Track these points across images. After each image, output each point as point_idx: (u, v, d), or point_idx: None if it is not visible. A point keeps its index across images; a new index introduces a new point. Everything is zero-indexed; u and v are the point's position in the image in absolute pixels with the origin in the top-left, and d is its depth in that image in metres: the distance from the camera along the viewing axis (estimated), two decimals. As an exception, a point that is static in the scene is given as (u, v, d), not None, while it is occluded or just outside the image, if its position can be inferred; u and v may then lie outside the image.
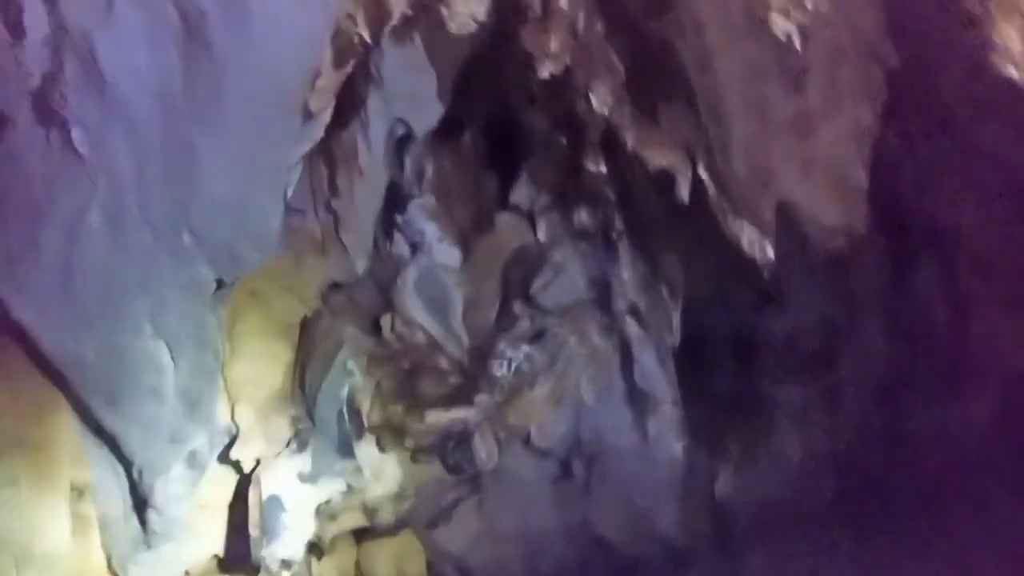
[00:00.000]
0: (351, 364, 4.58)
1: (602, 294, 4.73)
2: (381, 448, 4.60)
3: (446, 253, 4.79)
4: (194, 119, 3.03)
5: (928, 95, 3.85)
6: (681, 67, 3.59)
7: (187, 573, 4.53)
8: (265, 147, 3.15)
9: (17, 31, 3.09)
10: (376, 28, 3.30)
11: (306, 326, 4.64)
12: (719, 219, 3.76)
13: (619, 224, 4.65)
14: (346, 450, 4.52)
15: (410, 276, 4.82)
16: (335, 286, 4.82)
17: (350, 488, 4.55)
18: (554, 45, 3.77)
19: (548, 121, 4.50)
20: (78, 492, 4.53)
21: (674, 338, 4.65)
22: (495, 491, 4.83)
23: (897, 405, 5.30)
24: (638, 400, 4.64)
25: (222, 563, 4.44)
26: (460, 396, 4.64)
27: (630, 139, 3.97)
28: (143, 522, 4.09)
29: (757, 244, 3.63)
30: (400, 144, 4.51)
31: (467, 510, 4.80)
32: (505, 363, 4.75)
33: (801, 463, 5.31)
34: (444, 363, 4.77)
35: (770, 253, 3.62)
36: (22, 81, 3.16)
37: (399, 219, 4.79)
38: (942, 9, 3.49)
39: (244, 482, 4.38)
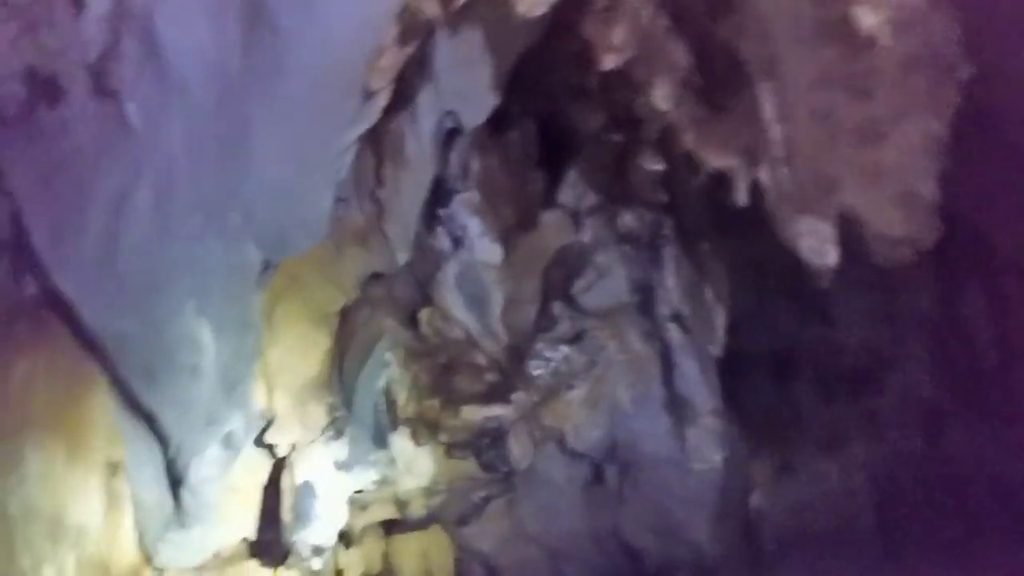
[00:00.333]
0: (389, 355, 4.55)
1: (645, 299, 4.64)
2: (415, 441, 4.57)
3: (488, 250, 4.74)
4: (251, 98, 2.99)
5: (996, 111, 3.72)
6: (744, 68, 3.50)
7: (216, 555, 4.53)
8: (321, 128, 3.10)
9: (78, 4, 3.09)
10: (445, 5, 3.23)
11: (346, 315, 4.62)
12: (776, 224, 3.65)
13: (666, 228, 4.56)
14: (381, 441, 4.49)
15: (450, 271, 4.78)
16: (375, 277, 4.79)
17: (383, 479, 4.52)
18: (618, 37, 3.68)
19: (602, 117, 4.42)
20: (112, 468, 4.55)
21: (717, 347, 4.54)
22: (526, 491, 4.76)
23: (940, 429, 5.16)
24: (677, 408, 4.55)
25: (252, 547, 4.44)
26: (496, 394, 4.58)
27: (689, 138, 3.88)
28: (177, 502, 4.08)
29: (817, 250, 3.50)
30: (447, 137, 4.46)
31: (497, 509, 4.74)
32: (543, 363, 4.69)
33: (839, 483, 5.20)
34: (481, 360, 4.72)
35: (831, 259, 3.50)
36: (80, 54, 3.15)
37: (442, 213, 4.75)
38: (1017, 25, 3.38)
39: (277, 467, 4.37)
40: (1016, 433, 4.77)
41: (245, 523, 4.49)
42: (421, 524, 4.76)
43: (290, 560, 4.37)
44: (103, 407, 4.53)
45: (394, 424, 4.52)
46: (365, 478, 4.48)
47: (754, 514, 4.90)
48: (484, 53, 3.73)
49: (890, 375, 5.24)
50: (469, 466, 4.68)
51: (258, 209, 3.31)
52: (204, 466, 3.95)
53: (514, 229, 4.75)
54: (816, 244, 3.51)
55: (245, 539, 4.53)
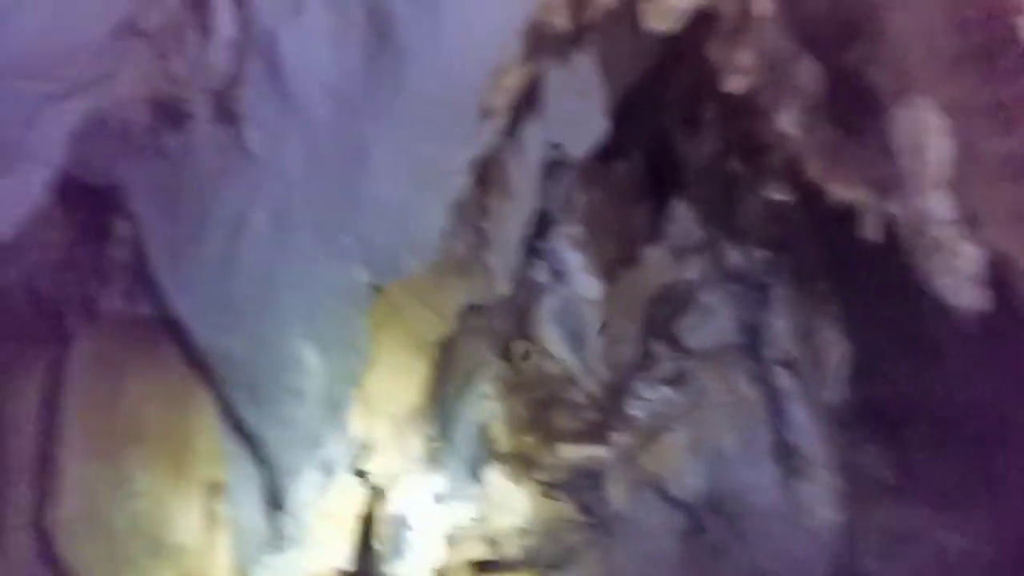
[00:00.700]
0: (487, 388, 4.48)
1: (752, 340, 4.44)
2: (510, 478, 4.46)
3: (588, 284, 4.65)
4: (369, 119, 3.03)
5: None
6: (875, 94, 3.31)
7: (308, 582, 4.52)
8: (437, 149, 3.11)
9: (207, 31, 3.22)
10: (576, 18, 3.19)
11: (445, 344, 4.60)
12: (909, 261, 3.40)
13: (777, 266, 4.35)
14: (478, 475, 4.40)
15: (549, 305, 4.71)
16: (473, 308, 4.75)
17: (479, 515, 4.42)
18: (745, 59, 3.57)
19: (718, 145, 4.29)
20: (212, 489, 4.63)
21: (831, 395, 4.26)
22: (622, 538, 4.56)
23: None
24: (787, 458, 4.28)
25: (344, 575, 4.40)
26: (595, 433, 4.44)
27: (814, 168, 3.69)
28: (274, 525, 4.09)
29: (955, 290, 3.23)
30: (551, 169, 4.42)
31: (591, 555, 4.55)
32: (641, 404, 4.52)
33: (960, 549, 4.76)
34: (579, 397, 4.59)
35: (970, 301, 3.22)
36: (206, 80, 3.28)
37: (542, 246, 4.70)
38: None
39: (373, 496, 4.34)
40: None
41: (338, 551, 4.46)
42: (513, 565, 4.61)
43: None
44: (208, 427, 4.64)
45: (490, 459, 4.43)
46: (462, 513, 4.39)
47: (865, 580, 4.52)
48: (598, 79, 3.68)
49: (1020, 435, 4.79)
50: (564, 508, 4.53)
51: (369, 231, 3.33)
52: (303, 489, 3.95)
53: (616, 264, 4.65)
54: (953, 284, 3.24)
55: (337, 568, 4.49)
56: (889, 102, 3.28)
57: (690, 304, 4.48)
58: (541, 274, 4.68)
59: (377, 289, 3.57)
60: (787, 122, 3.63)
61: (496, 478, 4.42)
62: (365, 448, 4.31)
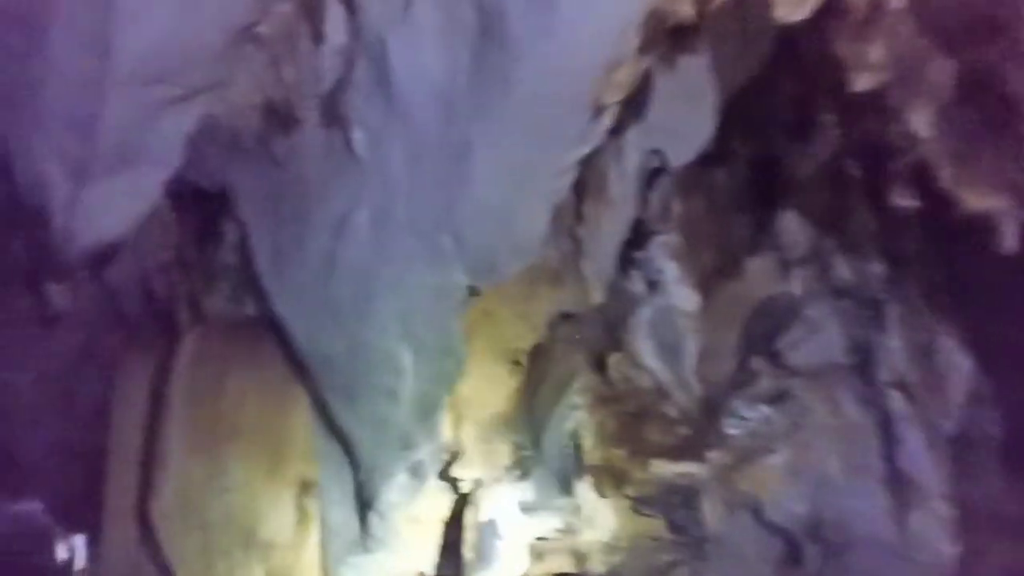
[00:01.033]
0: (578, 399, 4.39)
1: (863, 360, 4.17)
2: (599, 491, 4.34)
3: (685, 296, 4.49)
4: (475, 119, 3.03)
5: None
6: (1014, 96, 3.07)
7: (394, 585, 4.53)
8: (543, 148, 3.07)
9: (317, 37, 3.30)
10: (701, 6, 3.07)
11: (538, 352, 4.55)
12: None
13: (894, 281, 4.09)
14: (567, 487, 4.31)
15: (643, 316, 4.58)
16: (565, 317, 4.68)
17: (567, 527, 4.32)
18: (875, 54, 3.37)
19: (835, 149, 4.07)
20: (304, 487, 4.72)
21: (951, 423, 3.96)
22: (713, 562, 4.36)
23: None
24: (899, 487, 3.99)
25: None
26: (689, 449, 4.27)
27: (946, 174, 3.45)
28: (364, 526, 4.13)
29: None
30: (649, 176, 4.32)
31: (679, 576, 4.37)
32: (738, 422, 4.32)
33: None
34: (672, 411, 4.44)
35: None
36: (315, 84, 3.36)
37: (638, 255, 4.58)
38: None
39: (460, 502, 4.32)
40: None
41: (423, 556, 4.46)
42: (597, 582, 4.49)
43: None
44: (302, 427, 4.75)
45: (579, 471, 4.33)
46: (549, 524, 4.30)
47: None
48: (711, 81, 3.56)
49: None
50: (655, 525, 4.36)
51: (470, 232, 3.32)
52: (393, 491, 3.97)
53: (715, 276, 4.48)
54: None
55: (423, 573, 4.49)
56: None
57: (794, 319, 4.26)
58: (636, 284, 4.55)
59: (474, 292, 3.55)
60: (918, 123, 3.40)
61: (584, 491, 4.32)
62: (453, 454, 4.30)
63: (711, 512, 4.17)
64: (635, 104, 3.31)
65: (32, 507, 6.89)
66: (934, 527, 3.94)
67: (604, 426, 4.42)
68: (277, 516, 4.47)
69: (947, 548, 3.92)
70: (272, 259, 4.20)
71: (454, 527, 4.29)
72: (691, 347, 4.51)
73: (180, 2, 3.01)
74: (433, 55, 3.04)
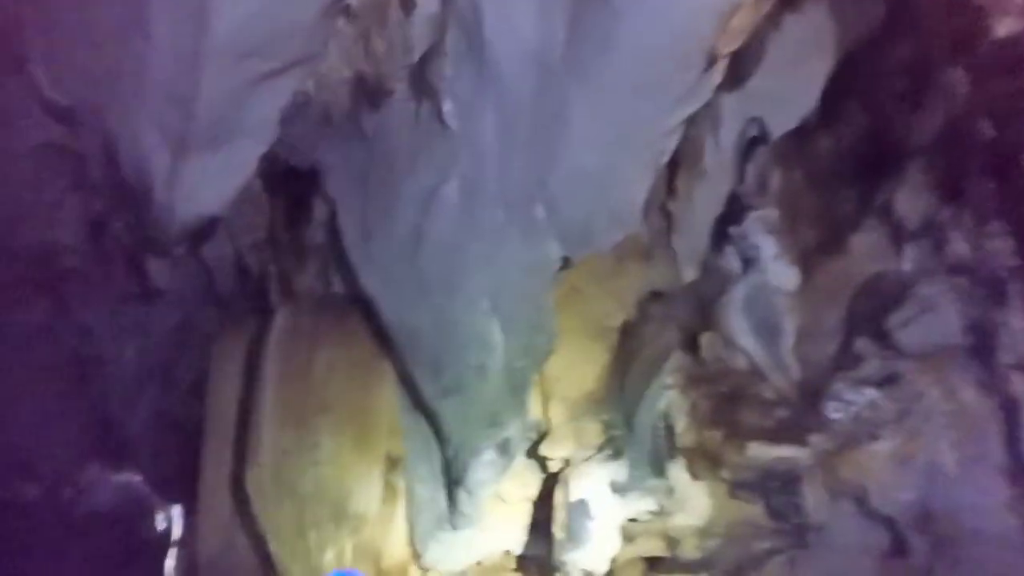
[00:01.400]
0: (670, 379, 4.25)
1: (982, 342, 3.85)
2: (693, 474, 4.19)
3: (783, 273, 4.27)
4: (572, 81, 2.90)
5: None
6: None
7: (479, 563, 4.51)
8: (647, 107, 2.92)
9: (408, 7, 3.25)
10: None
11: (629, 330, 4.42)
12: None
13: (1014, 257, 3.76)
14: (659, 468, 4.19)
15: (738, 295, 4.38)
16: (656, 295, 4.53)
17: (660, 509, 4.19)
18: None
19: (959, 111, 3.74)
20: (391, 463, 4.76)
21: (1082, 409, 3.63)
22: (812, 551, 4.15)
23: None
24: (1021, 479, 3.68)
25: (518, 561, 4.35)
26: (787, 433, 4.06)
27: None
28: (452, 502, 4.11)
29: None
30: (747, 145, 4.11)
31: (775, 565, 4.18)
32: (842, 406, 4.08)
33: None
34: (768, 393, 4.23)
35: None
36: (405, 55, 3.31)
37: (733, 231, 4.37)
38: None
39: (548, 482, 4.25)
40: None
41: (510, 535, 4.42)
42: (690, 567, 4.34)
43: (555, 579, 4.21)
44: (389, 402, 4.78)
45: (672, 453, 4.19)
46: (641, 506, 4.19)
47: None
48: (816, 42, 3.32)
49: None
50: (752, 511, 4.18)
51: (564, 201, 3.22)
52: (481, 469, 3.93)
53: (816, 252, 4.23)
54: None
55: (508, 551, 4.46)
56: None
57: (905, 298, 3.99)
58: (730, 261, 4.35)
59: (565, 266, 3.44)
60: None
61: (677, 473, 4.17)
62: (542, 432, 4.23)
63: (813, 499, 3.96)
64: (738, 65, 3.10)
65: (132, 478, 7.24)
66: (1061, 522, 3.63)
67: (697, 407, 4.25)
68: (365, 490, 4.51)
69: (1074, 544, 3.61)
70: (360, 235, 4.20)
71: (543, 506, 4.22)
72: (789, 327, 4.29)
73: (273, -24, 3.01)
74: (528, 17, 2.92)
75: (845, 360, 4.16)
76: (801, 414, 4.13)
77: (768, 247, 4.29)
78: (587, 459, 4.04)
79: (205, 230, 4.40)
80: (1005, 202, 3.63)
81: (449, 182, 3.40)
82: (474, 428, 3.86)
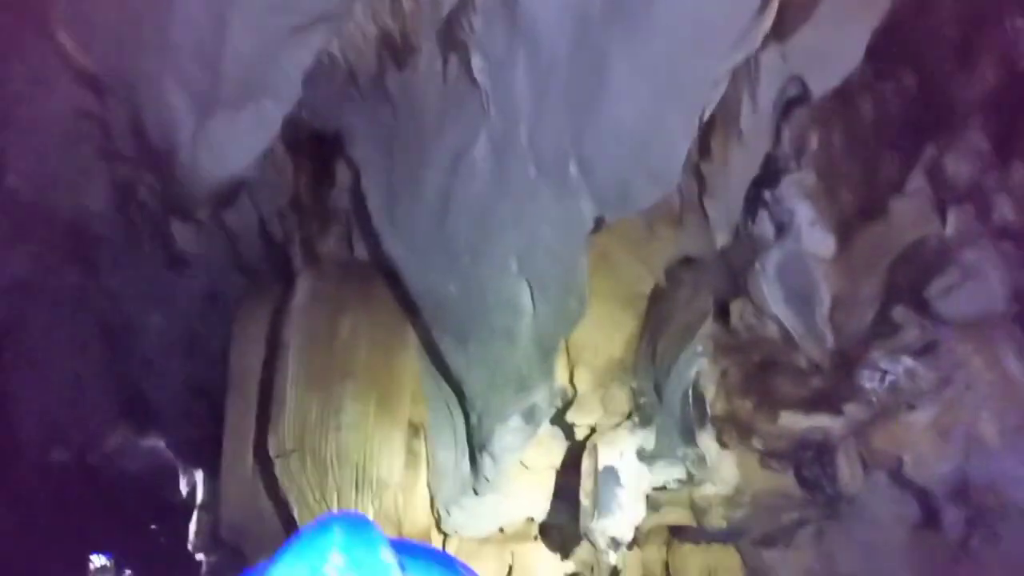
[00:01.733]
0: (701, 346, 4.15)
1: (1027, 309, 3.73)
2: (723, 443, 4.11)
3: (819, 240, 4.14)
4: (611, 32, 2.78)
5: None
6: None
7: (502, 529, 4.49)
8: (693, 56, 2.78)
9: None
10: None
11: (660, 296, 4.32)
12: None
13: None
14: (689, 436, 4.11)
15: (771, 261, 4.25)
16: (685, 261, 4.42)
17: (689, 477, 4.12)
18: None
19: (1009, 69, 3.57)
20: (414, 429, 4.73)
21: None
22: (843, 522, 4.09)
23: None
24: (1066, 450, 3.58)
25: (541, 528, 4.31)
26: (821, 402, 3.97)
27: None
28: (475, 469, 4.07)
29: None
30: (786, 107, 3.95)
31: (805, 536, 4.12)
32: (878, 375, 3.97)
33: None
34: (801, 362, 4.13)
35: None
36: (433, 10, 3.20)
37: (767, 195, 4.24)
38: None
39: (574, 449, 4.20)
40: None
41: (533, 503, 4.38)
42: (717, 537, 4.29)
43: (580, 549, 4.16)
44: (412, 368, 4.74)
45: (702, 421, 4.11)
46: (669, 474, 4.12)
47: None
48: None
49: None
50: (783, 481, 4.10)
51: (600, 159, 3.10)
52: (506, 435, 3.88)
53: (854, 217, 4.10)
54: None
55: (531, 519, 4.42)
56: None
57: (947, 264, 3.85)
58: (764, 227, 4.22)
59: (598, 228, 3.33)
60: None
61: (707, 442, 4.10)
62: (568, 399, 4.17)
63: (847, 470, 3.87)
64: (782, 19, 2.94)
65: (158, 444, 7.32)
66: (1107, 496, 3.52)
67: (728, 375, 4.16)
68: (388, 456, 4.49)
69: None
70: (385, 199, 4.13)
71: (567, 474, 4.17)
72: (825, 295, 4.17)
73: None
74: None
75: (882, 329, 4.05)
76: (835, 383, 4.03)
77: (803, 212, 4.16)
78: (615, 426, 3.98)
79: (229, 193, 4.35)
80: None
81: (478, 142, 3.29)
82: (500, 394, 3.80)
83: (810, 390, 4.01)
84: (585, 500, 3.80)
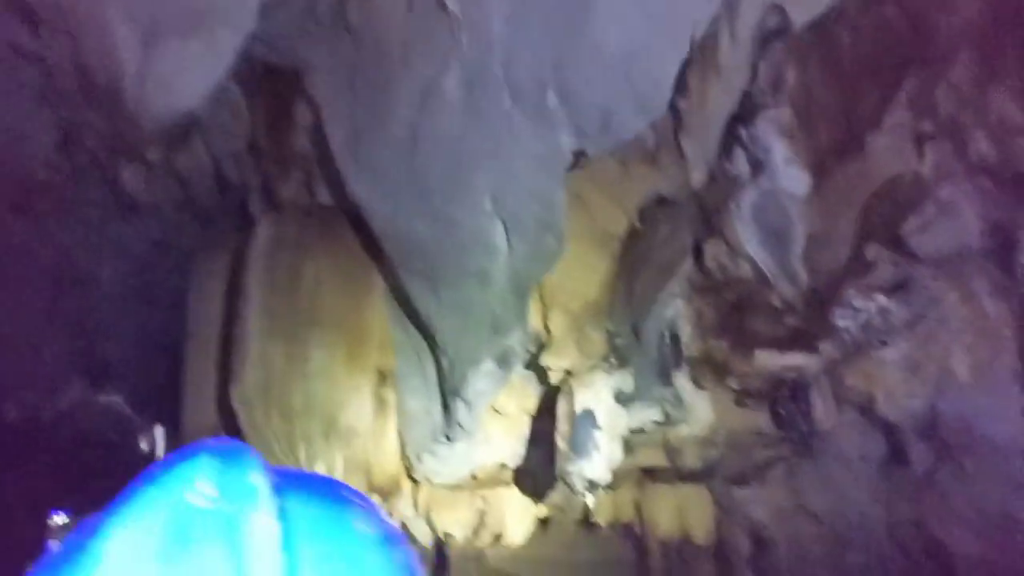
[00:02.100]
0: (677, 287, 4.08)
1: (1001, 245, 3.70)
2: (697, 383, 4.08)
3: (794, 178, 4.07)
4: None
5: None
6: None
7: (473, 475, 4.44)
8: None
9: None
10: None
11: (636, 236, 4.22)
12: None
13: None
14: (665, 377, 4.07)
15: (746, 201, 4.18)
16: (660, 201, 4.32)
17: (666, 418, 4.09)
18: None
19: None
20: (382, 376, 4.63)
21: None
22: (813, 459, 4.11)
23: None
24: (1036, 384, 3.60)
25: (514, 473, 4.27)
26: (795, 341, 3.94)
27: None
28: (447, 415, 3.99)
29: None
30: (765, 40, 3.83)
31: (777, 474, 4.14)
32: (850, 314, 3.95)
33: None
34: (775, 301, 4.09)
35: None
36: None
37: (743, 133, 4.13)
38: None
39: (549, 393, 4.13)
40: None
41: (506, 449, 4.34)
42: (690, 476, 4.29)
43: (555, 492, 4.13)
44: (379, 315, 4.61)
45: (677, 362, 4.06)
46: (646, 415, 4.08)
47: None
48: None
49: None
50: (757, 420, 4.10)
51: (582, 86, 2.95)
52: (480, 379, 3.79)
53: (831, 154, 4.02)
54: None
55: (504, 465, 4.37)
56: None
57: (922, 201, 3.81)
58: (739, 165, 4.12)
59: (579, 158, 3.20)
60: None
61: (683, 382, 4.06)
62: (541, 343, 4.08)
63: (821, 407, 3.87)
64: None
65: (114, 399, 7.11)
66: (1074, 428, 3.58)
67: (703, 316, 4.11)
68: (356, 404, 4.40)
69: (1087, 450, 3.57)
70: (349, 138, 3.94)
71: (543, 419, 4.11)
72: (799, 234, 4.12)
73: None
74: None
75: (856, 267, 4.02)
76: (810, 322, 4.00)
77: (779, 150, 4.08)
78: (591, 369, 3.91)
79: (181, 132, 4.12)
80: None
81: (449, 72, 3.11)
82: (473, 338, 3.70)
83: (785, 329, 3.98)
84: (562, 443, 3.74)
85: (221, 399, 4.68)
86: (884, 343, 3.90)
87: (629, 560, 4.74)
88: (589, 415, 3.69)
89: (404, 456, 4.62)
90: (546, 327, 4.05)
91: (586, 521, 4.55)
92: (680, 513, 4.60)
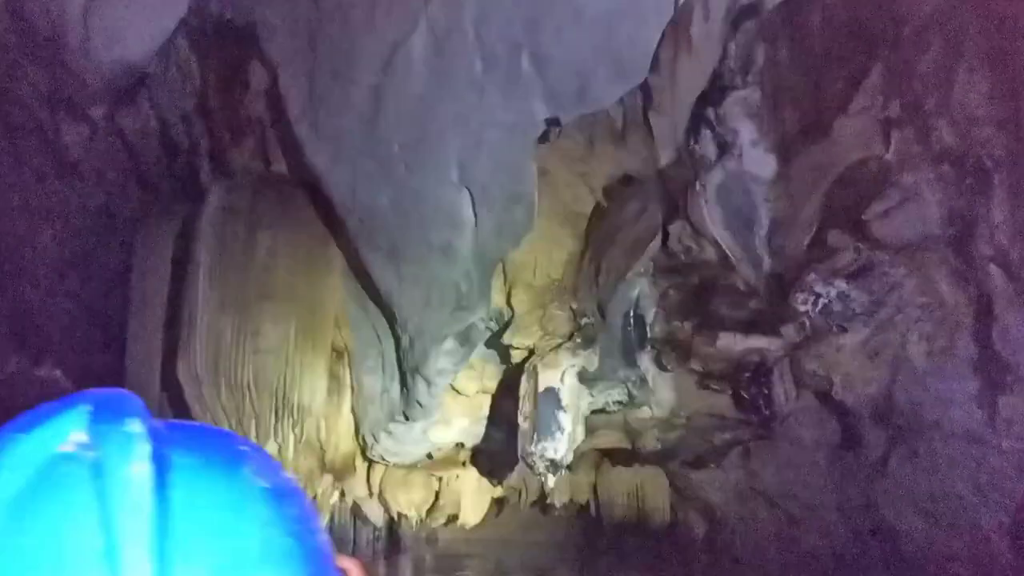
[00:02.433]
0: (641, 268, 4.02)
1: (961, 233, 3.74)
2: (660, 365, 4.05)
3: (760, 160, 4.05)
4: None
5: None
6: None
7: (430, 455, 4.35)
8: None
9: None
10: None
11: (601, 214, 4.15)
12: None
13: (999, 147, 3.61)
14: (630, 358, 4.02)
15: (711, 182, 4.14)
16: (624, 180, 4.26)
17: (630, 399, 4.05)
18: None
19: None
20: (337, 354, 4.49)
21: (1055, 302, 3.58)
22: (768, 443, 4.14)
23: None
24: (992, 372, 3.66)
25: (471, 453, 4.19)
26: (758, 324, 3.94)
27: None
28: (407, 392, 3.88)
29: None
30: (738, 17, 3.78)
31: (733, 457, 4.15)
32: (811, 298, 3.96)
33: None
34: (739, 284, 4.08)
35: None
36: None
37: (710, 113, 4.09)
38: None
39: (512, 372, 4.05)
40: None
41: (464, 428, 4.25)
42: (649, 458, 4.28)
43: (515, 474, 4.07)
44: (336, 290, 4.46)
45: (641, 343, 4.02)
46: (609, 396, 4.04)
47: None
48: None
49: None
50: (719, 402, 4.10)
51: (557, 49, 2.84)
52: (441, 357, 3.69)
53: (797, 137, 4.01)
54: None
55: (461, 444, 4.29)
56: None
57: (885, 186, 3.82)
58: (705, 146, 4.08)
59: (550, 127, 3.09)
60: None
61: (647, 363, 4.03)
62: (504, 321, 4.00)
63: (781, 390, 3.88)
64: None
65: (53, 373, 6.80)
66: (1025, 414, 3.65)
67: (666, 297, 4.08)
68: (310, 382, 4.27)
69: (1038, 437, 3.64)
70: (307, 103, 3.77)
71: (503, 398, 4.03)
72: (764, 217, 4.11)
73: None
74: None
75: (817, 252, 4.03)
76: (772, 305, 4.00)
77: (746, 131, 4.05)
78: (555, 348, 3.84)
79: (126, 87, 3.88)
80: (997, 86, 3.44)
81: (415, 34, 2.97)
82: (436, 314, 3.59)
83: (748, 312, 3.97)
84: (524, 423, 3.67)
85: (166, 374, 4.50)
86: (843, 329, 3.92)
87: (583, 542, 4.74)
88: (552, 394, 3.63)
89: (359, 435, 4.50)
90: (509, 304, 3.97)
91: (542, 502, 4.51)
92: (636, 495, 4.60)
